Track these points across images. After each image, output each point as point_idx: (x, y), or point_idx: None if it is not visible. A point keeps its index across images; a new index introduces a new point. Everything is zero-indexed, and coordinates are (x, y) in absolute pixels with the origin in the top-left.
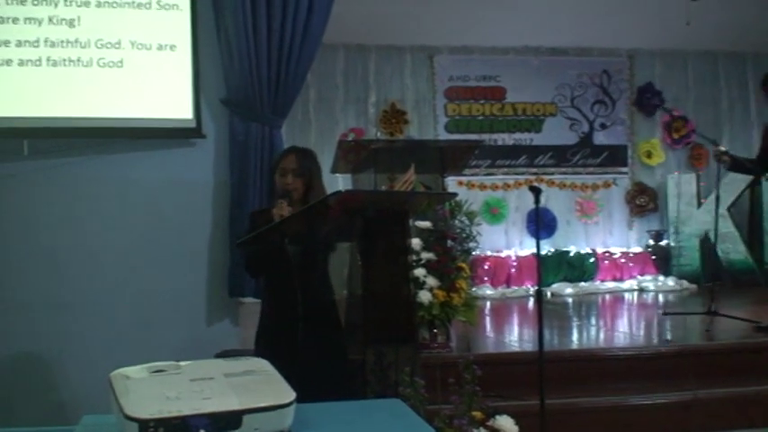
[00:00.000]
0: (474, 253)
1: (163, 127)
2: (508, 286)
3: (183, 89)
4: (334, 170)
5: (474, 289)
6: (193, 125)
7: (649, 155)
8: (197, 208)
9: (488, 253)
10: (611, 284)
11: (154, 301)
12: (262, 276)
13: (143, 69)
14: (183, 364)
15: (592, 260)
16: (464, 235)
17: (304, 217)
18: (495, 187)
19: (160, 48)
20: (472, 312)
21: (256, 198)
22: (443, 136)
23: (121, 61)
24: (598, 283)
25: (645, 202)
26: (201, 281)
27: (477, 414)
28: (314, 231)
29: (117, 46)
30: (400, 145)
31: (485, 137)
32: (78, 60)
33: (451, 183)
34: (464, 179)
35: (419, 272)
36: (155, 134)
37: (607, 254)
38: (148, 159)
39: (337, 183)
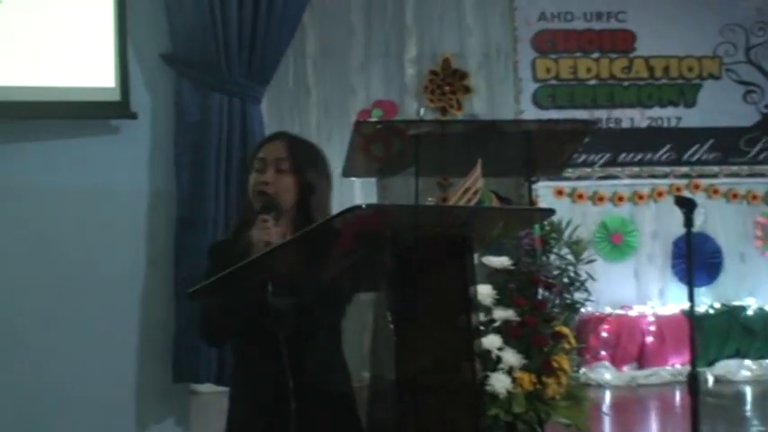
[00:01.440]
0: (583, 310)
1: (65, 101)
2: (641, 366)
3: (98, 40)
4: (348, 172)
5: (583, 371)
6: (116, 97)
7: None
8: (120, 234)
9: (607, 310)
10: None
11: (47, 392)
12: (226, 346)
13: (27, 6)
14: None
15: None
16: (566, 280)
17: (299, 248)
18: (618, 199)
19: None
20: (580, 410)
21: (219, 217)
22: (531, 113)
23: None
24: None
25: None
26: (127, 356)
27: None
28: (315, 273)
29: None
30: (458, 129)
31: (600, 115)
32: None
33: (545, 192)
34: (566, 186)
35: (491, 341)
36: (50, 112)
37: None
38: (38, 154)
39: (352, 192)
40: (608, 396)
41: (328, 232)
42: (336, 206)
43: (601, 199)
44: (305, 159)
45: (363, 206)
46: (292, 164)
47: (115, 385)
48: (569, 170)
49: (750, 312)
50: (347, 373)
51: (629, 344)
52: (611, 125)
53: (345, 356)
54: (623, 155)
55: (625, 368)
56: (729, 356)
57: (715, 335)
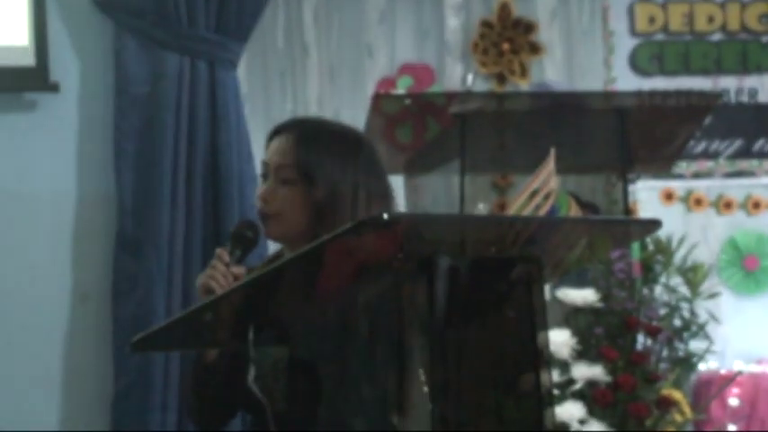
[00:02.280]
0: (703, 367)
1: None
2: None
3: None
4: None
5: None
6: (30, 61)
7: None
8: (37, 258)
9: (738, 366)
10: None
11: None
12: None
13: None
14: None
15: None
16: (678, 322)
17: (279, 286)
18: (753, 206)
19: None
20: None
21: (177, 234)
22: (627, 82)
23: None
24: None
25: None
26: None
27: None
28: (310, 317)
29: None
30: (523, 106)
31: (727, 84)
32: None
33: (648, 195)
34: (678, 186)
35: (569, 412)
36: None
37: None
38: None
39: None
40: None
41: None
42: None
43: (728, 206)
44: (321, 161)
45: (384, 217)
46: (300, 171)
47: None
48: (683, 164)
49: None
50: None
51: None
52: (744, 99)
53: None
54: (761, 142)
55: None
56: None
57: None
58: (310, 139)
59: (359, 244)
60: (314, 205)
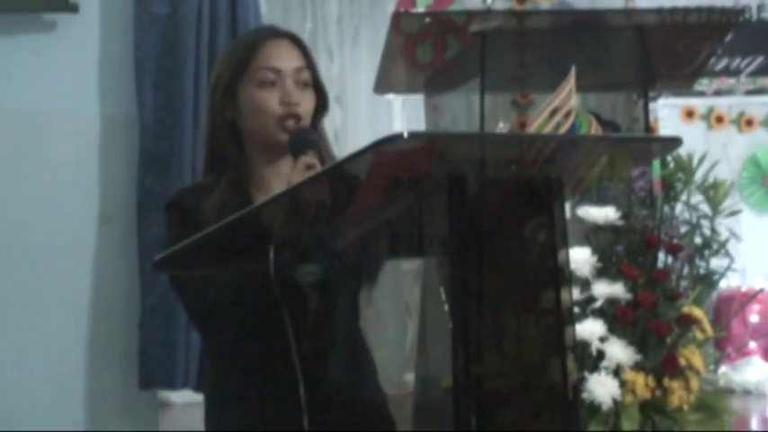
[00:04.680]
0: (724, 284)
1: None
2: None
3: None
4: (384, 86)
5: (723, 371)
6: None
7: None
8: (59, 179)
9: (759, 284)
10: None
11: None
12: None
13: None
14: None
15: None
16: (699, 240)
17: (321, 194)
18: None
19: None
20: (718, 424)
21: (200, 153)
22: None
23: None
24: None
25: None
26: (74, 354)
27: None
28: (338, 232)
29: None
30: (543, 23)
31: (748, 0)
32: None
33: (669, 113)
34: (699, 104)
35: (590, 329)
36: None
37: None
38: None
39: (390, 114)
40: (759, 406)
41: (354, 173)
42: (368, 134)
43: (750, 123)
44: (316, 66)
45: (405, 135)
46: (312, 74)
47: (59, 394)
48: (704, 81)
49: None
50: (375, 374)
51: None
52: (766, 15)
53: (371, 349)
54: None
55: None
56: None
57: None
58: (304, 45)
59: (384, 161)
60: (318, 111)
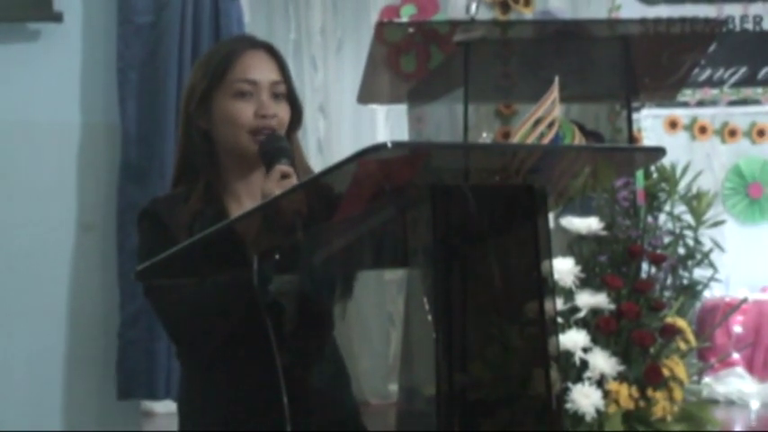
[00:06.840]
0: (707, 294)
1: None
2: None
3: None
4: (367, 96)
5: (706, 381)
6: None
7: None
8: (41, 188)
9: (742, 294)
10: None
11: None
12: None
13: None
14: None
15: None
16: (682, 251)
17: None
18: (758, 134)
19: None
20: None
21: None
22: (632, 9)
23: None
24: None
25: None
26: (52, 363)
27: None
28: (321, 241)
29: None
30: (526, 34)
31: (732, 11)
32: None
33: (652, 123)
34: (682, 114)
35: (573, 340)
36: None
37: None
38: None
39: (374, 124)
40: (742, 416)
41: (337, 181)
42: (352, 145)
43: (733, 133)
44: (290, 78)
45: (389, 145)
46: (287, 87)
47: (37, 402)
48: (687, 92)
49: None
50: (349, 385)
51: None
52: (749, 26)
53: (352, 359)
54: (766, 69)
55: None
56: None
57: None
58: (281, 56)
59: (367, 171)
60: (293, 122)
